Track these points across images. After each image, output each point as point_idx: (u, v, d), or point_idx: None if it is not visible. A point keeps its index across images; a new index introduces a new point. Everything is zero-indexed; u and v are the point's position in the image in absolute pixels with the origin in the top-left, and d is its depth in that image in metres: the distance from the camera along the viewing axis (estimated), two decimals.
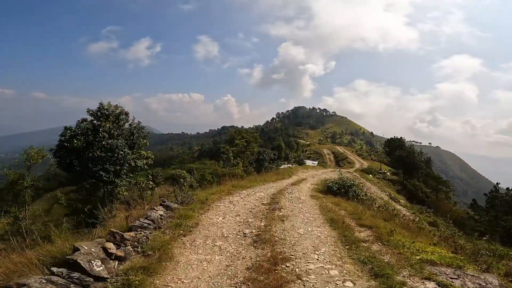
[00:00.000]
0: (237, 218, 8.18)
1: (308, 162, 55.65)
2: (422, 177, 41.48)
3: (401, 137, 65.11)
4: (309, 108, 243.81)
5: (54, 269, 3.92)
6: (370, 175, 36.83)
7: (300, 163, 46.55)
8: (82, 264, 4.03)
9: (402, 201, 28.46)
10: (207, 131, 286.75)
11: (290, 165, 51.89)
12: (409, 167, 42.79)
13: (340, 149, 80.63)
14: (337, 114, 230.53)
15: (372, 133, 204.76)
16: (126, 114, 11.23)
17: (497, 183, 30.93)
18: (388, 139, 66.29)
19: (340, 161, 63.72)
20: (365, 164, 57.51)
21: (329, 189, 15.31)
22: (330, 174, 33.55)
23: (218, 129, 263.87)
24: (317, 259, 5.48)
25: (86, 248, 4.42)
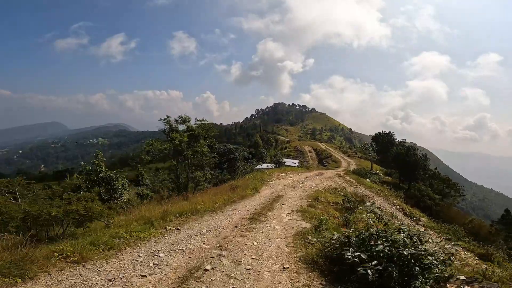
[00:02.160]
0: None
1: (288, 162, 45.90)
2: (426, 179, 32.84)
3: (389, 132, 56.97)
4: (289, 104, 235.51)
5: None
6: (367, 179, 27.41)
7: (278, 163, 36.52)
8: None
9: (424, 219, 19.08)
10: (185, 128, 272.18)
11: (267, 166, 41.85)
12: (410, 167, 33.86)
13: (323, 145, 71.66)
14: (316, 110, 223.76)
15: (351, 129, 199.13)
16: None
17: None
18: (375, 134, 57.90)
19: (323, 159, 54.57)
20: (352, 162, 48.56)
21: (347, 268, 5.06)
22: (317, 180, 23.72)
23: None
24: None
25: None
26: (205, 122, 19.90)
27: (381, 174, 40.72)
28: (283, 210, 10.94)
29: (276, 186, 17.70)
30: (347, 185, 23.14)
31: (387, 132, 56.81)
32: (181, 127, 19.12)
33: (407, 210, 19.92)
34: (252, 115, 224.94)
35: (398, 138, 56.98)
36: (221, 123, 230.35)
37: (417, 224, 17.70)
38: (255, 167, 45.97)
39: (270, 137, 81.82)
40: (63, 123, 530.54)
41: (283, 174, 24.00)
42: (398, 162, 35.77)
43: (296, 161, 47.22)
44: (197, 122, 19.46)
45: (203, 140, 19.84)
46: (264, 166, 38.90)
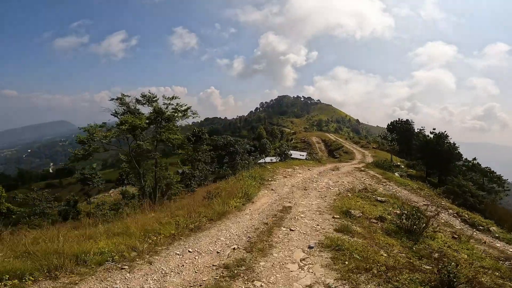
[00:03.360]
0: None
1: (295, 154, 40.17)
2: (464, 172, 26.77)
3: (407, 120, 50.69)
4: (293, 97, 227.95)
5: None
6: (396, 174, 21.63)
7: (284, 156, 30.86)
8: None
9: (495, 228, 13.20)
10: (190, 123, 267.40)
11: (271, 159, 36.27)
12: (441, 158, 27.84)
13: (332, 136, 65.41)
14: (321, 102, 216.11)
15: (357, 120, 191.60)
16: None
17: None
18: (391, 122, 51.67)
19: (334, 150, 48.58)
20: (367, 154, 42.50)
21: None
22: (335, 176, 17.89)
23: (201, 121, 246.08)
24: None
25: None
26: (178, 100, 14.18)
27: (403, 166, 34.84)
28: (291, 246, 5.33)
29: (281, 188, 12.10)
30: (373, 182, 17.41)
31: (404, 120, 50.57)
32: (147, 110, 13.53)
33: (466, 215, 14.07)
34: (256, 109, 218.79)
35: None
36: (225, 117, 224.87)
37: (488, 236, 11.93)
38: (258, 161, 40.49)
39: (274, 129, 75.81)
40: (71, 121, 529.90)
41: (289, 170, 18.35)
42: (426, 152, 29.73)
43: (304, 153, 41.50)
44: (166, 102, 13.76)
45: (174, 126, 14.11)
46: (268, 159, 33.33)
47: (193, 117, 15.26)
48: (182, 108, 14.44)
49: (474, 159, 27.63)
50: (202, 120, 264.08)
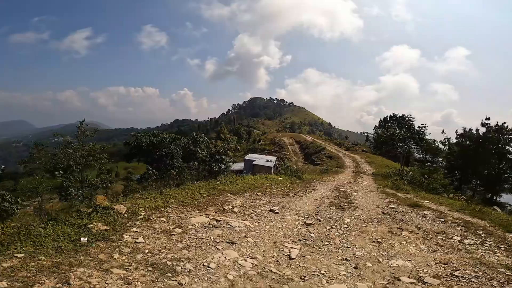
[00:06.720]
0: None
1: (260, 160, 26.39)
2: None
3: (403, 115, 39.12)
4: (266, 99, 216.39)
5: None
6: (499, 210, 8.18)
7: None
8: None
9: None
10: (159, 125, 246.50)
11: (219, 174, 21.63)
12: (503, 167, 15.36)
13: (308, 137, 52.71)
14: (294, 104, 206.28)
15: (330, 123, 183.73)
16: None
17: None
18: (384, 118, 39.92)
19: (312, 154, 35.60)
20: (361, 159, 29.73)
21: None
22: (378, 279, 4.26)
23: (170, 122, 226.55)
24: None
25: None
26: None
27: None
28: None
29: None
30: None
31: (399, 115, 38.93)
32: None
33: None
34: (228, 110, 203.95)
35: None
36: (196, 119, 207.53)
37: None
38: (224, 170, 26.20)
39: (240, 127, 62.08)
40: (30, 121, 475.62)
41: (196, 238, 4.44)
42: (468, 158, 17.18)
43: (273, 159, 27.85)
44: None
45: None
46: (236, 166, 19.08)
47: None
48: None
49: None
50: (172, 122, 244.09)
